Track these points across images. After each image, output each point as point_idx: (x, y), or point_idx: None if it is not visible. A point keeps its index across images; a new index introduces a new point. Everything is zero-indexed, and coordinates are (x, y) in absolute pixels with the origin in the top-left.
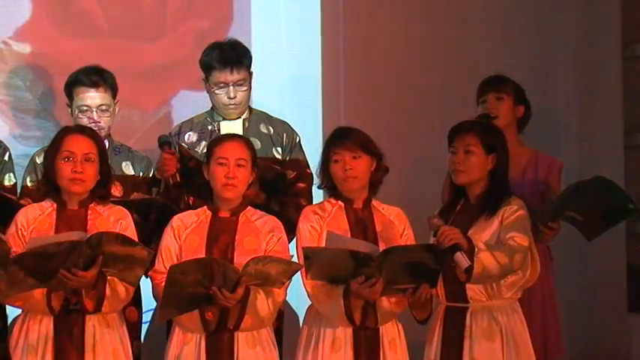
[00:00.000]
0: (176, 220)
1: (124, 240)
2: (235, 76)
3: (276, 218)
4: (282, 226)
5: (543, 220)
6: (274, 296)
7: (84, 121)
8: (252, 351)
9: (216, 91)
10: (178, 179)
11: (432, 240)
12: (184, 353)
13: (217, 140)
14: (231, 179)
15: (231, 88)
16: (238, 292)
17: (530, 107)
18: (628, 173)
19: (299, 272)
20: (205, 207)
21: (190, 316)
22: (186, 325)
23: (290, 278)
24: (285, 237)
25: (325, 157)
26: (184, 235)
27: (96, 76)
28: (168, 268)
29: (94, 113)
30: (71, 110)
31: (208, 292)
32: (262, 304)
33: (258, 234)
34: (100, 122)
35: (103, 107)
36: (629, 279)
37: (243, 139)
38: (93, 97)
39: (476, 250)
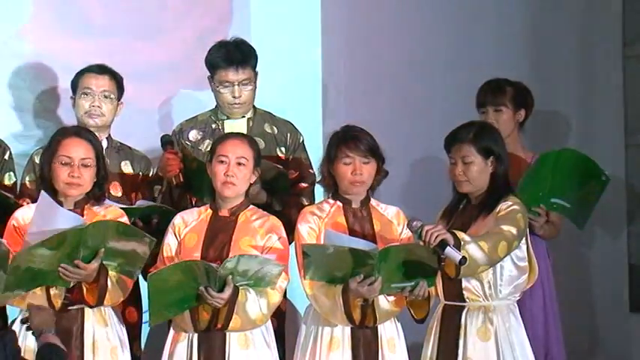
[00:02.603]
0: (178, 217)
1: (125, 228)
2: (240, 75)
3: (276, 218)
4: (282, 226)
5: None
6: (267, 297)
7: (85, 105)
8: (245, 352)
9: (221, 90)
10: (181, 179)
11: (411, 240)
12: (177, 351)
13: (220, 138)
14: (231, 177)
15: (236, 87)
16: (226, 291)
17: (532, 104)
18: (629, 172)
19: (298, 272)
20: (208, 205)
21: (182, 316)
22: (178, 323)
23: (280, 277)
24: (285, 237)
25: (333, 154)
26: (184, 232)
27: (104, 67)
28: (169, 262)
29: (96, 98)
30: (74, 102)
31: (196, 292)
32: (253, 305)
33: (256, 234)
34: (101, 107)
35: (106, 93)
36: (631, 279)
37: (246, 138)
38: (97, 82)
39: (462, 243)
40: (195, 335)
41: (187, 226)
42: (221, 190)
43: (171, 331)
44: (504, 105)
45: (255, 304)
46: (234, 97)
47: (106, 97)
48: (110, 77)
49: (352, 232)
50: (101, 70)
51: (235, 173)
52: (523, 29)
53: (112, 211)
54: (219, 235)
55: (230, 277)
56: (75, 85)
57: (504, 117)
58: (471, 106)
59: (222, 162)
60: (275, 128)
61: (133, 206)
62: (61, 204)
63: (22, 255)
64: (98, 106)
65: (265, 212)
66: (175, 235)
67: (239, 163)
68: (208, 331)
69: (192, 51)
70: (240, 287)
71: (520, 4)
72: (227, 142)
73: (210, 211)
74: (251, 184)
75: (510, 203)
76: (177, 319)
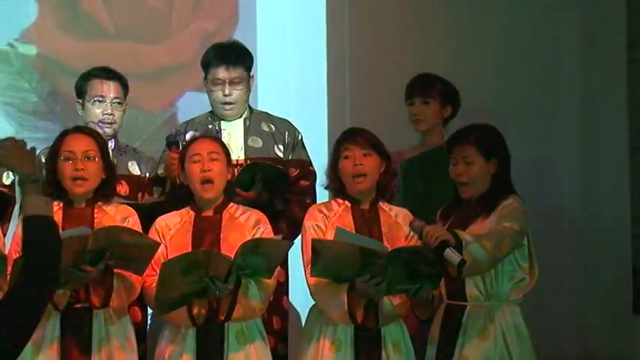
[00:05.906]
0: (159, 221)
1: (131, 232)
2: (232, 73)
3: (259, 212)
4: (266, 219)
5: None
6: (264, 286)
7: (97, 113)
8: (242, 348)
9: (212, 89)
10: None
11: (418, 243)
12: (173, 350)
13: (188, 143)
14: (207, 172)
15: (227, 85)
16: (231, 281)
17: (459, 105)
18: (633, 175)
19: (303, 270)
20: (188, 208)
21: (178, 312)
22: (174, 321)
23: (279, 263)
24: (270, 228)
25: (335, 154)
26: (169, 235)
27: (111, 72)
28: (158, 268)
29: (108, 105)
30: (82, 106)
31: (201, 283)
32: (254, 294)
33: (243, 229)
34: (113, 115)
35: (117, 101)
36: (635, 280)
37: (213, 137)
38: (108, 89)
39: (464, 243)
40: (192, 333)
41: (172, 229)
42: (201, 191)
43: (166, 331)
44: (432, 97)
45: (256, 294)
46: (224, 95)
47: (116, 103)
48: (118, 83)
49: (359, 233)
50: (109, 75)
51: (211, 167)
52: (527, 32)
53: (122, 210)
54: (206, 235)
55: (232, 267)
56: (81, 89)
57: (432, 109)
58: (477, 105)
59: (195, 161)
60: (272, 126)
61: (141, 202)
62: (71, 203)
63: None
64: (110, 114)
65: (247, 207)
66: (161, 239)
67: (212, 159)
68: (207, 325)
69: (197, 53)
70: (242, 277)
71: (524, 6)
72: (195, 142)
73: (192, 212)
74: (229, 180)
75: (512, 201)
76: (172, 316)
